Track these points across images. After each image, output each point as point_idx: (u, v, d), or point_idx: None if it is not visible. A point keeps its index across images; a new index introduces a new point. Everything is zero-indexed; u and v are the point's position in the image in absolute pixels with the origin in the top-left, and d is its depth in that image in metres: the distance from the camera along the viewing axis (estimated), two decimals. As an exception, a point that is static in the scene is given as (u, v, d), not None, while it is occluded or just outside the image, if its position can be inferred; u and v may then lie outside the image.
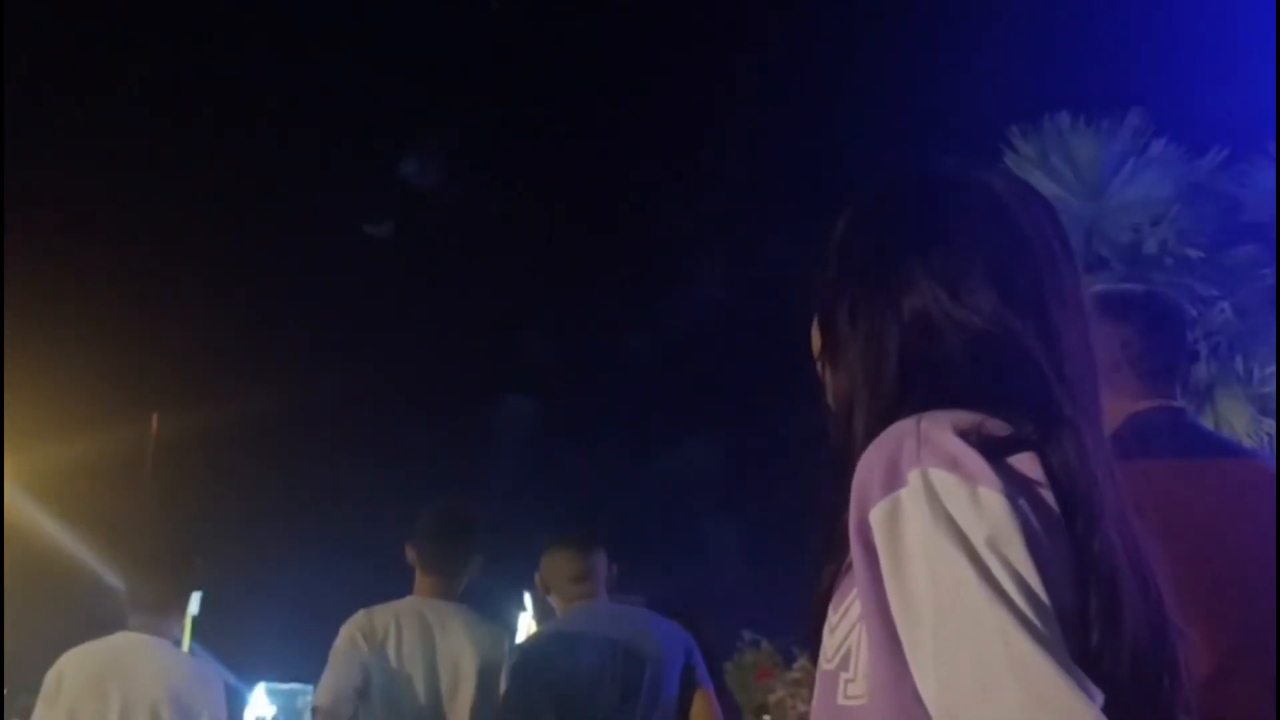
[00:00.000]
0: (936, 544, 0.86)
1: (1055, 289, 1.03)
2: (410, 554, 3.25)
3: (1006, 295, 1.01)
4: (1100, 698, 0.81)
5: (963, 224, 1.06)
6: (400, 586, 3.26)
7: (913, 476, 0.89)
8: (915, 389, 0.99)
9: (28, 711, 3.45)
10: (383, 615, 3.12)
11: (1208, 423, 8.17)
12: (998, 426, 0.93)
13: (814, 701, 1.00)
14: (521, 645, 3.32)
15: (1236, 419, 9.17)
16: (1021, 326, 1.00)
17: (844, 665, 0.96)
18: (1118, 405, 1.90)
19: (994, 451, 0.91)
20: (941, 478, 0.88)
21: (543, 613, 3.82)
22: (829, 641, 0.99)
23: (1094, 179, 10.39)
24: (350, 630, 3.09)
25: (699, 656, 3.13)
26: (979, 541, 0.85)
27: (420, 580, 3.23)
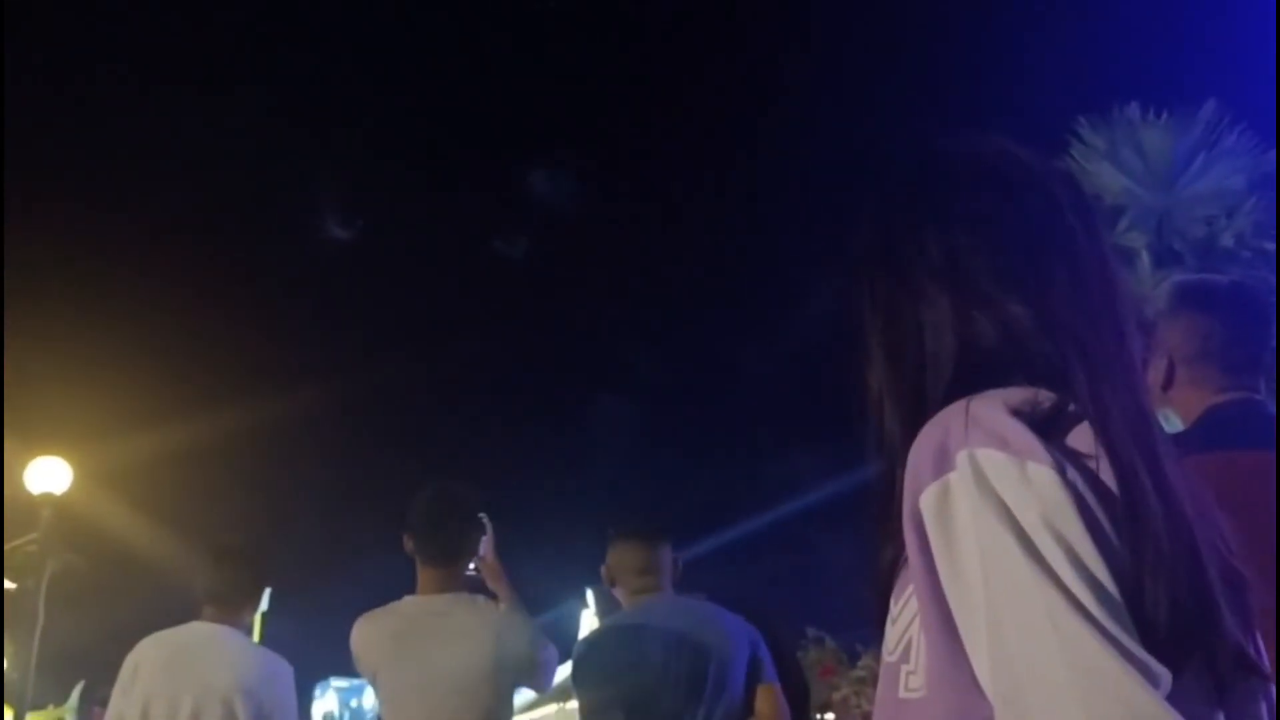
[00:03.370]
0: (986, 525, 0.84)
1: (1068, 257, 1.02)
2: (407, 544, 3.09)
3: (1017, 271, 1.00)
4: (1166, 680, 0.78)
5: (968, 202, 1.05)
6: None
7: (961, 458, 0.87)
8: (939, 372, 1.00)
9: (106, 701, 3.52)
10: (374, 625, 3.04)
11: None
12: (1051, 401, 0.92)
13: (877, 694, 0.98)
14: (587, 638, 3.33)
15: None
16: (1035, 299, 0.99)
17: (905, 657, 0.94)
18: (1198, 396, 1.86)
19: (1047, 427, 0.89)
20: (990, 457, 0.86)
21: (607, 606, 3.81)
22: (890, 633, 0.97)
23: (1165, 171, 10.19)
24: (353, 645, 3.06)
25: (765, 650, 3.11)
26: (1029, 520, 0.83)
27: (420, 574, 3.07)
